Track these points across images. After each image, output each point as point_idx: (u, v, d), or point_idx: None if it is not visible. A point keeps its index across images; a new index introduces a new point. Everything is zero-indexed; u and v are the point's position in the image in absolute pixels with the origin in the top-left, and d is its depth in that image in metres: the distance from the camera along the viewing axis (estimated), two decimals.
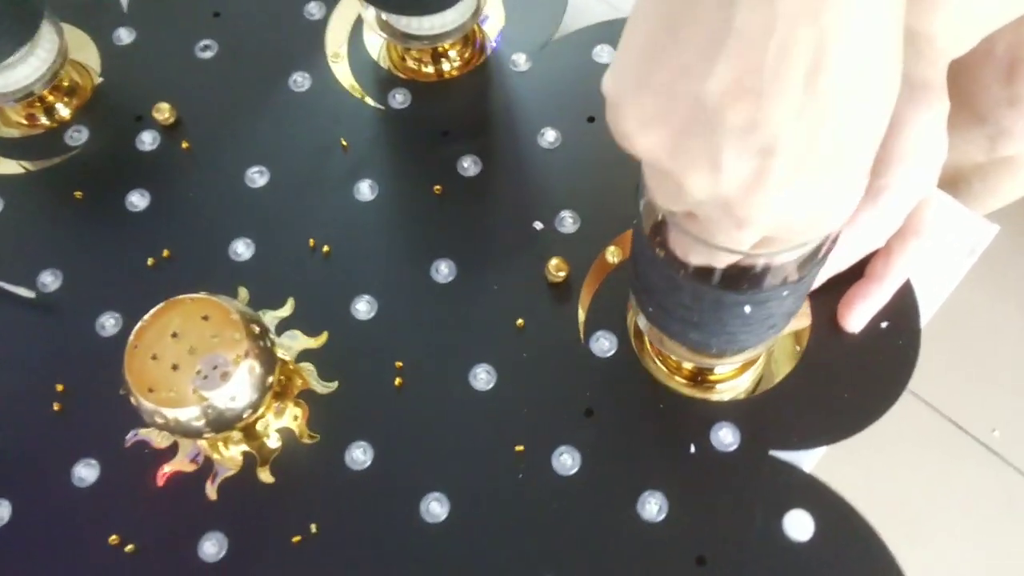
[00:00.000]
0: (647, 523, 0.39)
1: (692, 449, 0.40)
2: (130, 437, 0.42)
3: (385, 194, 0.47)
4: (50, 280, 0.46)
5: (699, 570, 0.38)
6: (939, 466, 1.01)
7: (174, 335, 0.38)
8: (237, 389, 0.38)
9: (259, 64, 0.52)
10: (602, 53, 0.50)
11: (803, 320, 0.42)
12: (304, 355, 0.43)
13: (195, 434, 0.38)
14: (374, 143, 0.49)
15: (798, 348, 0.42)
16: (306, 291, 0.45)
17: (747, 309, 0.32)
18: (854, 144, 0.22)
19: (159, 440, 0.42)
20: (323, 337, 0.44)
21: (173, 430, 0.38)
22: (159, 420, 0.37)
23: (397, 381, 0.42)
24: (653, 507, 0.39)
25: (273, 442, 0.42)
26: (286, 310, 0.44)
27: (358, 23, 0.52)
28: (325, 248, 0.46)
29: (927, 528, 0.98)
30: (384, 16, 0.48)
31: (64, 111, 0.51)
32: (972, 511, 0.99)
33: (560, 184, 0.47)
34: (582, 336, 0.43)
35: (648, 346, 0.42)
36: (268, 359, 0.39)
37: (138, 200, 0.48)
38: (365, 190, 0.47)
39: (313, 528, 0.40)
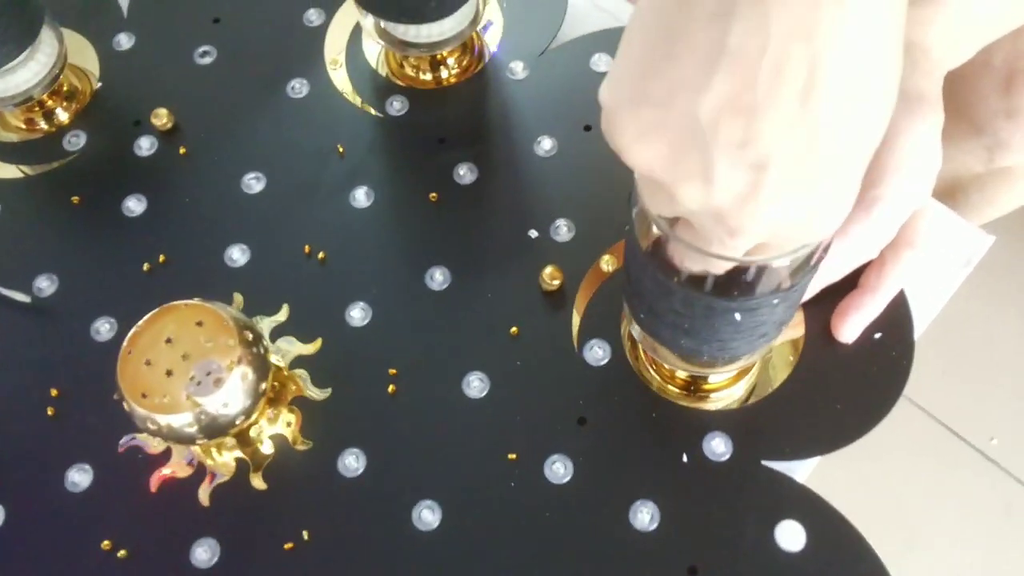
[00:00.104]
0: (639, 532, 0.39)
1: (685, 458, 0.40)
2: (125, 441, 0.42)
3: (381, 201, 0.47)
4: (46, 285, 0.46)
5: None
6: (937, 474, 1.01)
7: (168, 341, 0.38)
8: (230, 395, 0.38)
9: (258, 70, 0.52)
10: (599, 62, 0.50)
11: (797, 330, 0.42)
12: (298, 361, 0.43)
13: (188, 440, 0.38)
14: (371, 150, 0.49)
15: (792, 358, 0.42)
16: (301, 297, 0.45)
17: (737, 316, 0.32)
18: (847, 157, 0.23)
19: (153, 445, 0.42)
20: (317, 343, 0.44)
21: (166, 436, 0.38)
22: (152, 426, 0.37)
23: (391, 388, 0.42)
24: (645, 516, 0.39)
25: (266, 448, 0.42)
26: (281, 316, 0.44)
27: (357, 30, 0.53)
28: (320, 254, 0.46)
29: (925, 536, 0.97)
30: (383, 24, 0.48)
31: (63, 116, 0.51)
32: (970, 519, 0.98)
33: (556, 192, 0.47)
34: (576, 344, 0.43)
35: (642, 355, 0.43)
36: (261, 365, 0.39)
37: (135, 205, 0.48)
38: (361, 197, 0.47)
39: (305, 535, 0.40)
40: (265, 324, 0.44)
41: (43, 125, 0.51)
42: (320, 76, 0.51)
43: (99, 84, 0.52)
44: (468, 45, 0.51)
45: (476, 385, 0.42)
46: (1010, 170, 0.64)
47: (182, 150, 0.49)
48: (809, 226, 0.25)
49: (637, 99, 0.23)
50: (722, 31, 0.20)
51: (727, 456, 0.40)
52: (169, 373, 0.38)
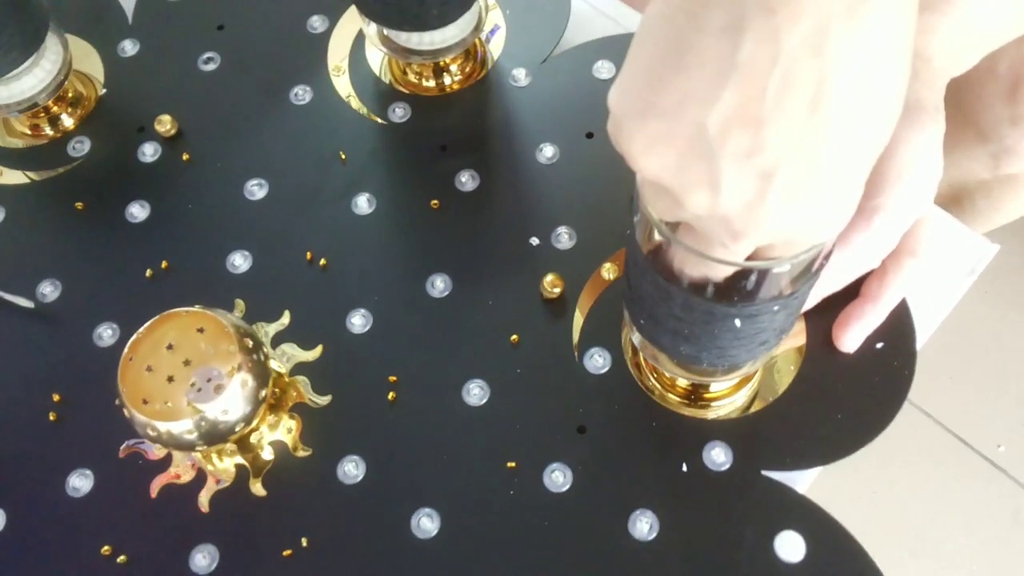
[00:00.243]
0: (638, 542, 0.39)
1: (684, 468, 0.40)
2: (128, 445, 0.42)
3: (383, 208, 0.47)
4: (49, 290, 0.46)
5: None
6: (943, 482, 1.00)
7: (169, 347, 0.38)
8: (230, 402, 0.38)
9: (261, 77, 0.52)
10: (602, 69, 0.50)
11: (798, 339, 0.42)
12: (299, 368, 0.43)
13: (188, 447, 0.38)
14: (373, 157, 0.49)
15: (793, 367, 0.42)
16: (302, 304, 0.45)
17: (737, 323, 0.32)
18: (852, 165, 0.23)
19: (154, 451, 0.42)
20: (318, 350, 0.44)
21: (166, 443, 0.38)
22: (152, 433, 0.38)
23: (391, 395, 0.42)
24: (644, 526, 0.39)
25: (266, 454, 0.42)
26: (282, 323, 0.44)
27: (360, 37, 0.53)
28: (322, 261, 0.46)
29: (930, 544, 0.97)
30: (385, 31, 0.49)
31: (68, 122, 0.51)
32: (977, 527, 0.98)
33: (557, 200, 0.47)
34: (576, 352, 0.43)
35: (643, 363, 0.42)
36: (261, 372, 0.39)
37: (138, 211, 0.48)
38: (363, 204, 0.47)
39: (304, 542, 0.40)
40: (266, 330, 0.44)
41: (48, 131, 0.51)
42: (323, 83, 0.51)
43: (104, 90, 0.52)
44: (471, 52, 0.51)
45: (476, 393, 0.42)
46: (1016, 176, 0.63)
47: (185, 156, 0.50)
48: (811, 230, 0.25)
49: (646, 110, 0.23)
50: (733, 44, 0.21)
51: (727, 466, 0.40)
52: (170, 379, 0.38)
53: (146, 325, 0.39)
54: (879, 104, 0.22)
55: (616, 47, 0.51)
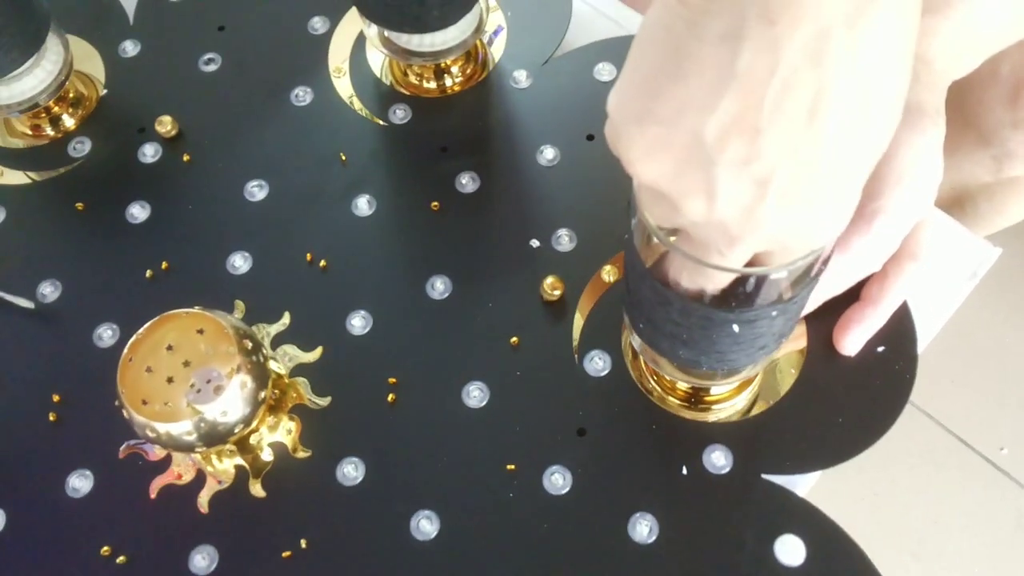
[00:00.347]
0: (638, 545, 0.39)
1: (684, 471, 0.40)
2: (133, 443, 0.42)
3: (383, 209, 0.47)
4: (49, 291, 0.46)
5: None
6: (946, 484, 1.00)
7: (169, 348, 0.38)
8: (229, 403, 0.38)
9: (262, 78, 0.52)
10: (603, 71, 0.50)
11: (799, 343, 0.42)
12: (299, 369, 0.43)
13: (187, 448, 0.38)
14: (373, 158, 0.49)
15: (794, 371, 0.42)
16: (302, 305, 0.45)
17: (735, 328, 0.31)
18: (849, 171, 0.23)
19: (154, 452, 0.42)
20: (318, 352, 0.44)
21: (165, 444, 0.38)
22: (151, 434, 0.38)
23: (390, 397, 0.42)
24: (644, 529, 0.39)
25: (266, 456, 0.42)
26: (282, 324, 0.44)
27: (361, 38, 0.53)
28: (322, 263, 0.46)
29: (933, 546, 0.97)
30: (386, 33, 0.49)
31: (69, 122, 0.51)
32: (979, 530, 0.98)
33: (557, 202, 0.47)
34: (576, 355, 0.43)
35: (643, 366, 0.42)
36: (261, 374, 0.39)
37: (138, 212, 0.48)
38: (363, 205, 0.47)
39: (303, 543, 0.40)
40: (266, 332, 0.44)
41: (49, 131, 0.51)
42: (324, 84, 0.51)
43: (105, 91, 0.52)
44: (471, 54, 0.51)
45: (476, 395, 0.42)
46: (1018, 179, 0.63)
47: (186, 157, 0.50)
48: (808, 236, 0.25)
49: (644, 116, 0.23)
50: (731, 53, 0.21)
51: (727, 469, 0.40)
52: (170, 380, 0.38)
53: (146, 326, 0.39)
54: (877, 113, 0.22)
55: (617, 49, 0.51)
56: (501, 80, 0.51)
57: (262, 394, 0.39)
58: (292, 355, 0.44)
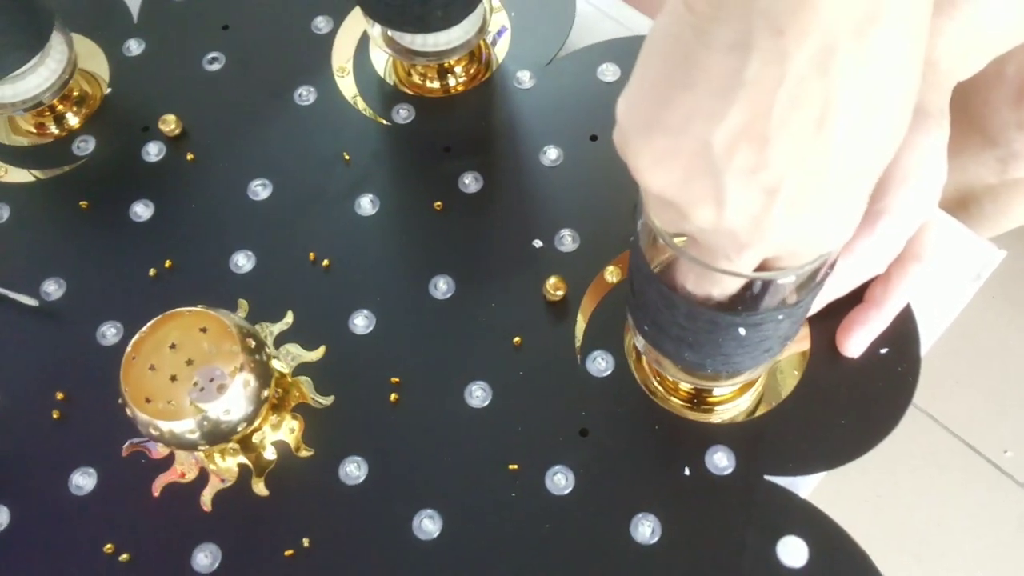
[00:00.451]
0: (640, 545, 0.39)
1: (687, 472, 0.40)
2: (137, 442, 0.42)
3: (386, 209, 0.47)
4: (53, 289, 0.46)
5: None
6: (950, 486, 1.00)
7: (172, 347, 0.38)
8: (232, 402, 0.38)
9: (265, 77, 0.52)
10: (607, 72, 0.50)
11: (803, 344, 0.42)
12: (302, 368, 0.43)
13: (190, 446, 0.38)
14: (377, 158, 0.49)
15: (797, 372, 0.42)
16: (305, 304, 0.45)
17: (741, 331, 0.31)
18: (858, 178, 0.23)
19: (157, 450, 0.42)
20: (321, 351, 0.44)
21: (168, 442, 0.38)
22: (154, 432, 0.38)
23: (393, 397, 0.42)
24: (646, 529, 0.39)
25: (269, 454, 0.42)
26: (285, 323, 0.44)
27: (364, 38, 0.53)
28: (325, 262, 0.46)
29: (936, 548, 0.97)
30: (390, 32, 0.49)
31: (73, 120, 0.52)
32: (983, 532, 0.97)
33: (560, 202, 0.47)
34: (579, 355, 0.43)
35: (646, 366, 0.42)
36: (264, 372, 0.39)
37: (142, 211, 0.48)
38: (366, 205, 0.47)
39: (306, 542, 0.40)
40: (270, 330, 0.44)
41: (53, 130, 0.51)
42: (327, 83, 0.51)
43: (109, 89, 0.53)
44: (475, 54, 0.51)
45: (478, 395, 0.42)
46: (1023, 181, 0.63)
47: (189, 156, 0.50)
48: (816, 243, 0.25)
49: (652, 126, 0.23)
50: (740, 62, 0.21)
51: (730, 470, 0.40)
52: (173, 379, 0.38)
53: (149, 324, 0.39)
54: (886, 121, 0.22)
55: (621, 50, 0.51)
56: (504, 80, 0.51)
57: (265, 393, 0.39)
58: (295, 354, 0.44)
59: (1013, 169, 0.61)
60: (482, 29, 0.49)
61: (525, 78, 0.50)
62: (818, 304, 0.40)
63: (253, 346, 0.39)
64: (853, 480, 0.97)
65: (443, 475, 0.41)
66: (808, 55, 0.20)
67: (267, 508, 0.41)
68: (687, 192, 0.23)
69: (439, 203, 0.47)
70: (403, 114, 0.50)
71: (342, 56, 0.52)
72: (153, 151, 0.50)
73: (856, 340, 0.41)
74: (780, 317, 0.31)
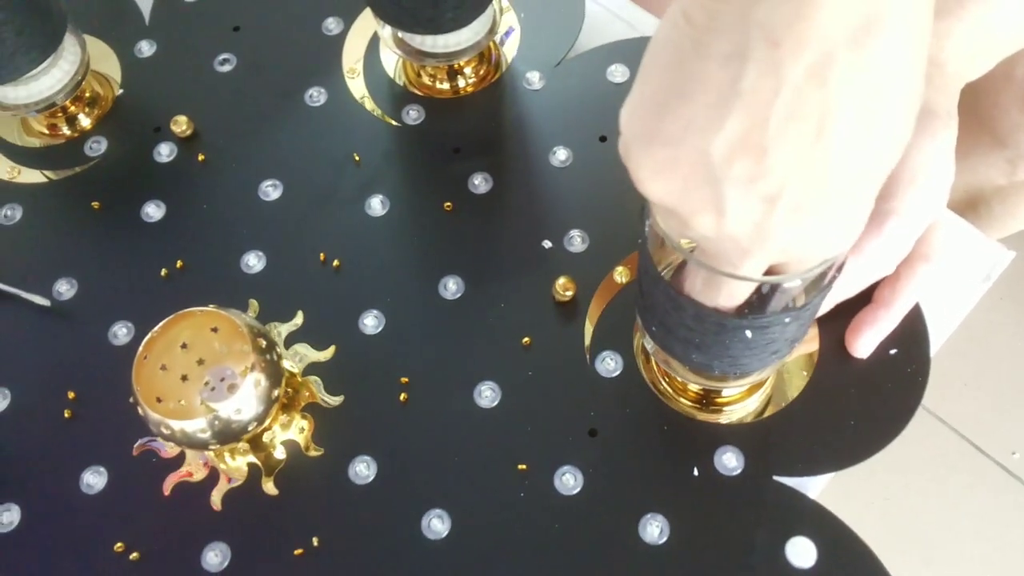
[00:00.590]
0: (648, 546, 0.39)
1: (696, 472, 0.40)
2: (141, 442, 0.42)
3: (396, 210, 0.47)
4: (65, 288, 0.46)
5: None
6: (958, 488, 1.00)
7: (183, 346, 0.39)
8: (243, 401, 0.38)
9: (276, 78, 0.52)
10: (616, 73, 0.50)
11: (811, 345, 0.42)
12: (311, 368, 0.44)
13: (201, 445, 0.39)
14: (387, 158, 0.49)
15: (806, 373, 0.42)
16: (315, 304, 0.45)
17: (748, 334, 0.32)
18: (860, 184, 0.23)
19: (167, 449, 0.42)
20: (331, 350, 0.44)
21: (179, 441, 0.38)
22: (165, 431, 0.38)
23: (402, 396, 0.42)
24: (655, 530, 0.39)
25: (279, 454, 0.42)
26: (295, 323, 0.45)
27: (375, 39, 0.53)
28: (335, 262, 0.46)
29: (944, 551, 0.96)
30: (400, 34, 0.49)
31: (85, 121, 0.52)
32: (991, 534, 0.97)
33: (570, 203, 0.47)
34: (588, 355, 0.43)
35: (655, 367, 0.42)
36: (274, 372, 0.39)
37: (154, 211, 0.48)
38: (376, 205, 0.47)
39: (315, 541, 0.40)
40: (280, 330, 0.45)
41: (65, 131, 0.52)
42: (338, 85, 0.51)
43: (121, 91, 0.53)
44: (485, 55, 0.52)
45: (487, 395, 0.42)
46: None
47: (201, 157, 0.50)
48: (821, 247, 0.25)
49: (652, 136, 0.23)
50: (736, 73, 0.21)
51: (738, 471, 0.40)
52: (184, 378, 0.38)
53: (161, 324, 0.39)
54: (887, 128, 0.22)
55: (630, 51, 0.51)
56: (514, 81, 0.51)
57: (275, 392, 0.39)
58: (305, 354, 0.44)
59: (1022, 170, 0.61)
60: (492, 30, 0.49)
61: (534, 79, 0.51)
62: (827, 305, 0.40)
63: (264, 346, 0.39)
64: (860, 482, 0.97)
65: (452, 475, 0.41)
66: (805, 66, 0.20)
67: (277, 507, 0.41)
68: (687, 201, 0.24)
69: (449, 204, 0.47)
70: (413, 115, 0.50)
71: (352, 57, 0.53)
72: (165, 152, 0.50)
73: (865, 341, 0.41)
74: (787, 320, 0.31)
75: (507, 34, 0.52)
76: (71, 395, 0.44)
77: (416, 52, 0.49)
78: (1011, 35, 0.42)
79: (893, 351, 0.42)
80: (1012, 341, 1.06)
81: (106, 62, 0.54)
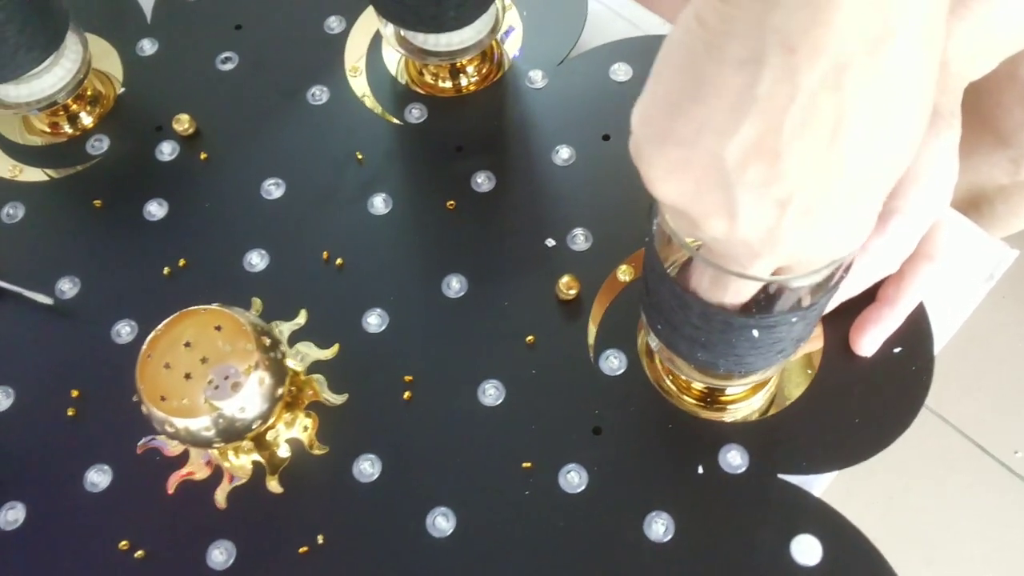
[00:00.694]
0: (653, 543, 0.39)
1: (700, 470, 0.40)
2: (145, 441, 0.42)
3: (399, 208, 0.47)
4: (68, 287, 0.46)
5: None
6: (960, 487, 1.00)
7: (187, 345, 0.39)
8: (247, 399, 0.38)
9: (278, 77, 0.52)
10: (619, 71, 0.50)
11: (816, 343, 0.42)
12: (315, 367, 0.44)
13: (205, 443, 0.39)
14: (389, 157, 0.49)
15: (810, 371, 0.42)
16: (319, 303, 0.45)
17: (755, 333, 0.32)
18: (871, 189, 0.23)
19: (171, 447, 0.42)
20: (334, 349, 0.44)
21: (183, 439, 0.38)
22: (169, 429, 0.38)
23: (406, 395, 0.42)
24: (660, 528, 0.39)
25: (283, 452, 0.42)
26: (299, 321, 0.45)
27: (377, 38, 0.53)
28: (338, 261, 0.46)
29: (947, 550, 0.96)
30: (402, 32, 0.49)
31: (87, 120, 0.52)
32: (993, 534, 0.97)
33: (573, 201, 0.47)
34: (592, 354, 0.43)
35: (659, 365, 0.42)
36: (278, 370, 0.39)
37: (156, 210, 0.48)
38: (379, 204, 0.47)
39: (320, 539, 0.40)
40: (283, 329, 0.45)
41: (67, 129, 0.52)
42: (340, 83, 0.51)
43: (122, 89, 0.53)
44: (487, 53, 0.52)
45: (492, 393, 0.42)
46: None
47: (203, 155, 0.50)
48: (830, 250, 0.25)
49: (664, 137, 0.23)
50: (751, 78, 0.21)
51: (743, 469, 0.40)
52: (187, 377, 0.38)
53: (164, 322, 0.39)
54: (899, 135, 0.22)
55: (633, 49, 0.51)
56: (516, 80, 0.51)
57: (279, 391, 0.39)
58: (309, 352, 0.44)
59: None
60: (494, 29, 0.49)
61: (537, 78, 0.51)
62: (831, 303, 0.40)
63: (268, 344, 0.39)
64: (862, 482, 0.97)
65: (456, 473, 0.41)
66: (820, 72, 0.20)
67: (281, 505, 0.41)
68: (699, 204, 0.24)
69: (452, 202, 0.47)
70: (415, 114, 0.50)
71: (354, 56, 0.52)
72: (167, 150, 0.50)
73: (869, 339, 0.41)
74: (794, 319, 0.31)
75: (507, 33, 0.52)
76: (75, 394, 0.44)
77: (418, 50, 0.49)
78: (1014, 35, 0.42)
79: (897, 349, 0.41)
80: (1014, 341, 1.06)
81: (108, 60, 0.54)
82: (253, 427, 0.39)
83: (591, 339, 0.43)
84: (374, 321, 0.44)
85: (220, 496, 0.41)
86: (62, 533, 0.41)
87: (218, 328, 0.39)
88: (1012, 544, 0.97)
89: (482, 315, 0.44)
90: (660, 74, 0.23)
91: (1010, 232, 0.71)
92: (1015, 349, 1.06)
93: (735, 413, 0.41)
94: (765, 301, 0.31)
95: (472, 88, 0.51)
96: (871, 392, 0.41)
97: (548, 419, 0.41)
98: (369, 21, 0.53)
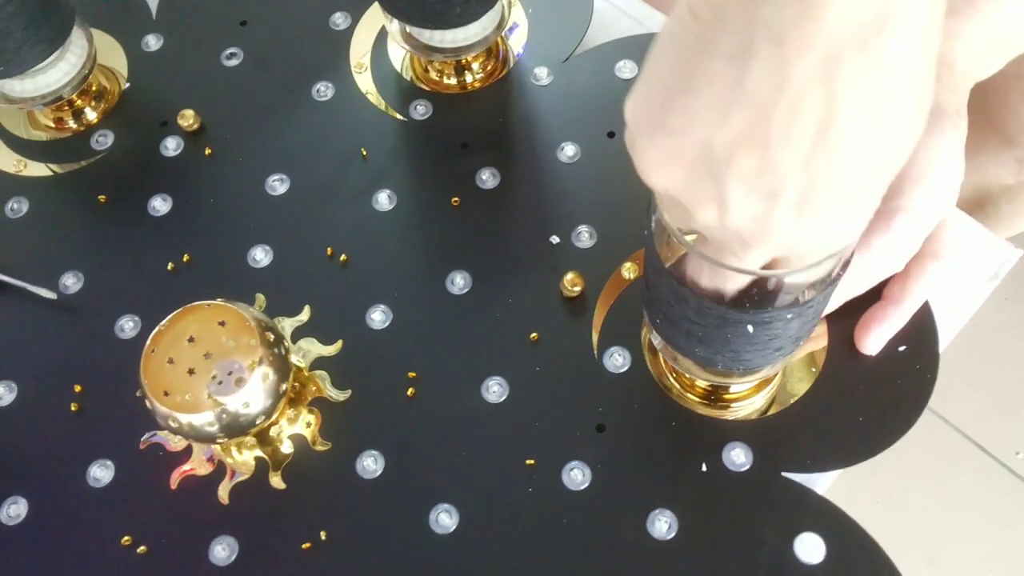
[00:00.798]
0: (656, 541, 0.39)
1: (704, 468, 0.40)
2: (147, 437, 0.42)
3: (403, 205, 0.47)
4: (72, 282, 0.46)
5: None
6: (961, 488, 0.99)
7: (191, 340, 0.39)
8: (251, 395, 0.38)
9: (283, 73, 0.52)
10: (624, 68, 0.50)
11: (820, 341, 0.42)
12: (319, 363, 0.44)
13: (208, 439, 0.39)
14: (394, 153, 0.49)
15: (815, 369, 0.42)
16: (322, 299, 0.45)
17: (750, 329, 0.31)
18: (866, 184, 0.23)
19: (174, 443, 0.42)
20: (338, 345, 0.44)
21: (187, 434, 0.38)
22: (173, 424, 0.38)
23: (410, 391, 0.42)
24: (663, 525, 0.39)
25: (286, 448, 0.42)
26: (302, 317, 0.45)
27: (382, 34, 0.53)
28: (343, 257, 0.46)
29: (947, 551, 0.96)
30: (408, 29, 0.49)
31: (92, 115, 0.52)
32: (994, 534, 0.97)
33: (578, 199, 0.47)
34: (596, 351, 0.43)
35: (662, 363, 0.42)
36: (282, 366, 0.39)
37: (160, 205, 0.48)
38: (383, 200, 0.47)
39: (323, 535, 0.40)
40: (287, 325, 0.45)
41: (72, 124, 0.52)
42: (345, 79, 0.51)
43: (127, 84, 0.53)
44: (493, 50, 0.51)
45: (495, 390, 0.42)
46: None
47: (208, 151, 0.50)
48: (825, 243, 0.25)
49: (657, 127, 0.23)
50: (740, 71, 0.21)
51: (747, 467, 0.40)
52: (191, 372, 0.38)
53: (168, 318, 0.39)
54: (893, 129, 0.22)
55: (638, 47, 0.51)
56: (522, 77, 0.51)
57: (283, 386, 0.39)
58: (312, 349, 0.44)
59: None
60: (500, 26, 0.49)
61: (542, 75, 0.50)
62: (836, 302, 0.40)
63: (271, 340, 0.39)
64: (864, 482, 0.97)
65: (460, 470, 0.41)
66: (810, 65, 0.20)
67: (284, 501, 0.41)
68: (690, 192, 0.24)
69: (456, 199, 0.47)
70: (420, 110, 0.50)
71: (360, 52, 0.52)
72: (171, 146, 0.50)
73: (874, 337, 0.41)
74: (789, 316, 0.31)
75: (511, 29, 0.52)
76: (78, 388, 0.44)
77: (424, 47, 0.49)
78: (1021, 34, 0.42)
79: (902, 348, 0.41)
80: (1017, 341, 1.06)
81: (113, 56, 0.54)
82: (256, 423, 0.39)
83: (595, 336, 0.43)
84: (378, 317, 0.44)
85: (223, 492, 0.41)
86: (64, 528, 0.41)
87: (222, 324, 0.39)
88: (1013, 545, 0.96)
89: (486, 312, 0.44)
90: (653, 66, 0.24)
91: (1015, 232, 0.71)
92: (1017, 350, 1.06)
93: (739, 411, 0.41)
94: (762, 296, 0.31)
95: (477, 85, 0.51)
96: (875, 391, 0.41)
97: (552, 416, 0.41)
98: (374, 17, 0.53)
